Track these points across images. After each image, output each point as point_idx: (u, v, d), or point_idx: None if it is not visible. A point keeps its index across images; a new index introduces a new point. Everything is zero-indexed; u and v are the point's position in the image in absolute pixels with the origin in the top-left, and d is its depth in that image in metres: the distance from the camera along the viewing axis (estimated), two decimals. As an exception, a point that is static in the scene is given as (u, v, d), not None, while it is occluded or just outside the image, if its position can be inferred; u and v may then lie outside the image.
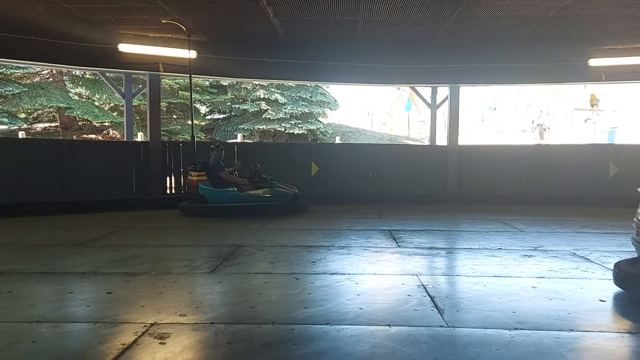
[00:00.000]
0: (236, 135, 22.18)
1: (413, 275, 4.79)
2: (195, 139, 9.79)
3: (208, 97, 23.87)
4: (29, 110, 21.28)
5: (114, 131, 22.37)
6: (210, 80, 21.65)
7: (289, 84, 22.83)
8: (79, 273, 4.81)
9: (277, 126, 24.30)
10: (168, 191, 10.82)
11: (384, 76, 11.13)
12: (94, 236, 6.77)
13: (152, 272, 4.88)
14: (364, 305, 3.85)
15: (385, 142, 27.15)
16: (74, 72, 20.52)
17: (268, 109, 24.00)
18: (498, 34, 9.63)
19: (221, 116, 26.29)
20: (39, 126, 22.09)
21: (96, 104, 21.50)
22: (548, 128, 30.02)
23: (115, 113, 21.75)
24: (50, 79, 21.24)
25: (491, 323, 3.47)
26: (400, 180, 11.33)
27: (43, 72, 21.08)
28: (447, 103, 11.77)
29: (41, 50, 9.09)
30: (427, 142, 15.62)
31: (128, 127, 11.13)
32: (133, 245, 6.25)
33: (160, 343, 3.09)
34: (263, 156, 10.76)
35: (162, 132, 11.68)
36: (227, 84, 23.85)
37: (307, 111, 24.50)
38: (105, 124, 21.94)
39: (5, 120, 19.69)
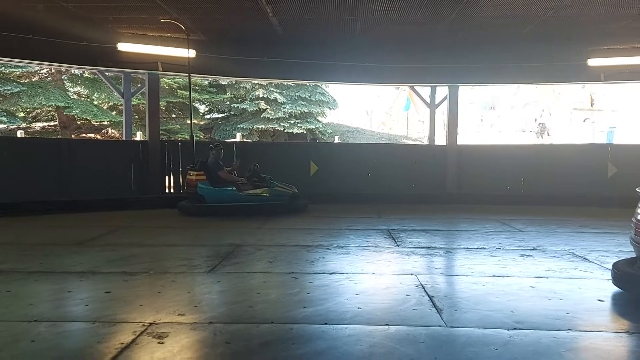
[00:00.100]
0: (235, 135, 22.17)
1: (412, 274, 4.80)
2: (194, 138, 9.79)
3: (207, 97, 23.85)
4: (28, 109, 21.26)
5: (113, 130, 22.36)
6: (209, 79, 21.64)
7: (288, 83, 22.84)
8: (78, 272, 4.81)
9: (276, 125, 24.29)
10: (167, 190, 10.80)
11: (383, 76, 11.13)
12: (93, 235, 6.77)
13: (151, 271, 4.88)
14: (363, 305, 3.86)
15: (384, 142, 27.14)
16: (72, 71, 20.50)
17: (267, 108, 23.99)
18: (497, 33, 9.62)
19: (220, 115, 26.28)
20: (38, 125, 22.06)
21: (95, 103, 21.48)
22: (549, 128, 30.07)
23: (114, 112, 21.73)
24: (49, 78, 21.22)
25: (490, 323, 3.47)
26: (399, 180, 11.33)
27: (42, 71, 21.05)
28: (446, 103, 11.78)
29: (40, 49, 9.08)
30: (426, 142, 15.64)
31: (127, 126, 11.12)
32: (132, 244, 6.25)
33: (158, 342, 3.09)
34: (262, 155, 10.75)
35: (161, 132, 11.66)
36: (226, 83, 23.84)
37: (306, 110, 24.49)
38: (104, 123, 21.93)
39: (4, 119, 19.68)
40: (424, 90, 12.50)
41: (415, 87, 13.47)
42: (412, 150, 14.87)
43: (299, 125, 24.34)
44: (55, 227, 7.72)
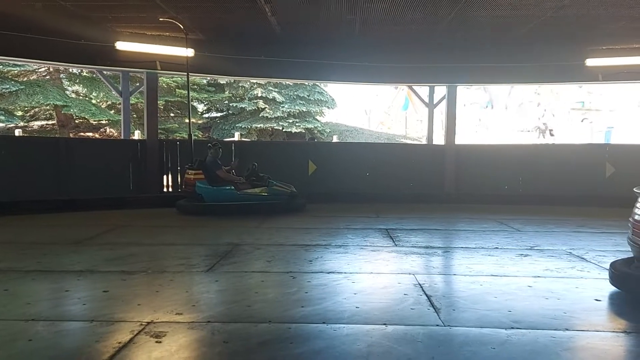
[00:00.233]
0: (233, 134, 22.15)
1: (410, 274, 4.80)
2: (193, 138, 9.77)
3: (205, 96, 23.83)
4: (26, 108, 21.20)
5: (111, 129, 22.32)
6: (208, 78, 21.62)
7: (287, 82, 22.81)
8: (76, 271, 4.81)
9: (275, 125, 24.28)
10: (165, 189, 10.80)
11: (381, 75, 11.13)
12: (91, 234, 6.76)
13: (149, 270, 4.88)
14: (361, 304, 3.86)
15: (382, 141, 27.14)
16: (71, 70, 20.45)
17: (265, 107, 23.98)
18: (496, 33, 9.63)
19: (218, 114, 26.27)
20: (36, 124, 22.00)
21: (93, 102, 21.43)
22: (552, 129, 30.11)
23: (113, 111, 21.69)
24: (47, 77, 21.17)
25: (487, 322, 3.48)
26: (397, 180, 11.34)
27: (40, 70, 21.00)
28: (444, 102, 11.79)
29: (38, 48, 9.05)
30: (424, 142, 15.64)
31: (125, 125, 11.10)
32: (130, 243, 6.24)
33: (156, 342, 3.09)
34: (260, 155, 10.75)
35: (159, 131, 11.64)
36: (224, 82, 23.82)
37: (304, 110, 24.49)
38: (102, 122, 21.89)
39: (2, 118, 19.63)
40: (423, 90, 12.52)
41: (413, 86, 13.50)
42: (410, 149, 14.89)
43: (297, 124, 24.33)
44: (53, 226, 7.71)
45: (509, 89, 30.70)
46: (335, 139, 24.62)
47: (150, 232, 7.27)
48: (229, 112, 25.28)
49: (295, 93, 24.25)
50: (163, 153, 10.74)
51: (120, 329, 3.28)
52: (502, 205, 10.37)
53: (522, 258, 5.57)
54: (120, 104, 12.37)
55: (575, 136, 27.35)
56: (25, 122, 21.47)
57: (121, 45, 9.62)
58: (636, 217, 4.09)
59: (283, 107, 23.96)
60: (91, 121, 21.49)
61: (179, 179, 10.69)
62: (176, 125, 22.90)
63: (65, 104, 19.90)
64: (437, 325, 3.41)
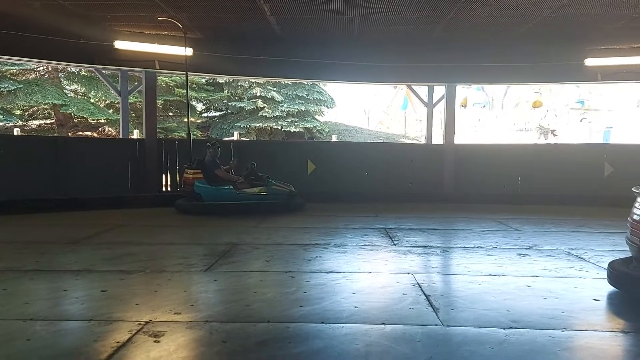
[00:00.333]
0: (232, 133, 22.15)
1: (408, 273, 4.80)
2: (191, 137, 9.77)
3: (204, 95, 23.80)
4: (24, 107, 21.16)
5: (110, 128, 22.28)
6: (207, 77, 21.59)
7: (286, 82, 22.79)
8: (74, 271, 4.80)
9: (274, 124, 24.26)
10: (164, 189, 10.79)
11: (380, 75, 11.13)
12: (89, 234, 6.75)
13: (147, 270, 4.87)
14: (359, 304, 3.86)
15: (381, 141, 27.15)
16: (69, 69, 20.42)
17: (264, 106, 23.96)
18: (494, 33, 9.64)
19: (217, 114, 26.24)
20: (34, 123, 21.96)
21: (92, 101, 21.39)
22: (554, 129, 30.12)
23: (111, 110, 21.65)
24: (46, 76, 21.14)
25: (486, 322, 3.48)
26: (396, 179, 11.34)
27: (38, 69, 20.95)
28: (443, 102, 11.79)
29: (37, 47, 9.03)
30: (423, 141, 15.65)
31: (124, 125, 11.09)
32: (128, 243, 6.24)
33: (154, 341, 3.08)
34: (259, 154, 10.74)
35: (158, 130, 11.64)
36: (223, 81, 23.79)
37: (303, 109, 24.47)
38: (100, 121, 21.85)
39: (1, 117, 19.59)
40: (422, 90, 12.52)
41: (412, 86, 13.50)
42: (409, 149, 14.89)
43: (296, 123, 24.31)
44: (52, 225, 7.70)
45: (505, 88, 30.81)
46: (334, 139, 24.62)
47: (149, 231, 7.26)
48: (228, 111, 25.26)
49: (294, 92, 24.23)
50: (162, 152, 10.73)
51: (118, 329, 3.28)
52: (500, 204, 10.38)
53: (521, 258, 5.57)
54: (118, 103, 12.35)
55: (574, 136, 27.38)
56: (23, 121, 21.43)
57: (120, 45, 9.60)
58: (635, 216, 4.10)
59: (282, 106, 23.94)
60: (90, 120, 21.45)
61: (177, 178, 10.68)
62: (175, 124, 22.87)
63: (63, 103, 19.87)
64: (436, 325, 3.41)
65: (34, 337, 3.16)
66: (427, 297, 4.04)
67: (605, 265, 4.50)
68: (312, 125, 24.87)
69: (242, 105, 24.04)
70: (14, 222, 7.87)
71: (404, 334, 3.26)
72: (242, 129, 23.56)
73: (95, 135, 22.15)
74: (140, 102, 13.86)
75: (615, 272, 4.16)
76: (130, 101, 12.38)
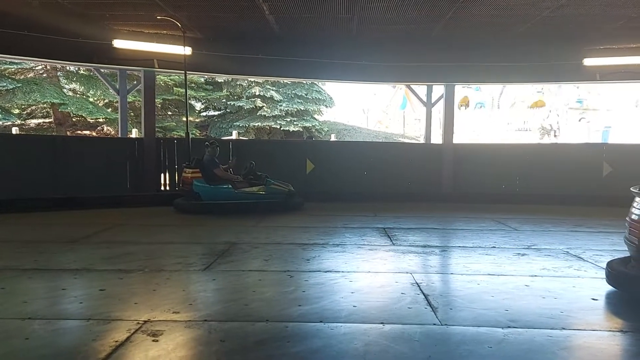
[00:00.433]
0: (231, 132, 22.18)
1: (407, 273, 4.80)
2: (190, 136, 9.76)
3: (203, 94, 23.80)
4: (23, 106, 21.15)
5: (108, 127, 22.27)
6: (205, 76, 21.60)
7: (285, 81, 22.80)
8: (72, 270, 4.79)
9: (273, 123, 24.26)
10: (162, 188, 10.78)
11: (379, 74, 11.13)
12: (88, 233, 6.74)
13: (146, 269, 4.86)
14: (358, 303, 3.86)
15: (380, 140, 27.15)
16: (68, 68, 20.41)
17: (263, 106, 23.95)
18: (493, 33, 9.64)
19: (216, 113, 26.23)
20: (33, 122, 21.95)
21: (90, 100, 21.38)
22: (556, 129, 30.15)
23: (110, 109, 21.64)
24: (45, 75, 21.12)
25: (484, 321, 3.48)
26: (395, 178, 11.34)
27: (37, 68, 20.93)
28: (442, 101, 11.80)
29: (35, 46, 9.01)
30: (422, 141, 15.65)
31: (122, 124, 11.08)
32: (127, 242, 6.23)
33: (153, 340, 3.08)
34: (258, 153, 10.73)
35: (156, 129, 11.64)
36: (222, 80, 23.79)
37: (302, 108, 24.47)
38: (99, 120, 21.85)
39: (-1, 115, 19.59)
40: (421, 89, 12.52)
41: (411, 85, 13.50)
42: (408, 148, 14.90)
43: (295, 123, 24.31)
44: (50, 224, 7.69)
45: (501, 88, 30.86)
46: (333, 138, 24.63)
47: (148, 230, 7.26)
48: (227, 110, 25.25)
49: (293, 92, 24.23)
50: (160, 151, 10.72)
51: (117, 328, 3.28)
52: (499, 204, 10.39)
53: (519, 257, 5.58)
54: (117, 102, 12.34)
55: (572, 135, 27.41)
56: (22, 120, 21.42)
57: (119, 43, 9.59)
58: (633, 216, 4.10)
59: (281, 105, 23.94)
60: (88, 119, 21.44)
61: (176, 177, 10.67)
62: (174, 123, 22.87)
63: (62, 102, 19.85)
64: (434, 324, 3.42)
65: (32, 336, 3.15)
66: (425, 296, 4.04)
67: (604, 265, 4.51)
68: (311, 125, 24.88)
69: (241, 105, 24.04)
70: (12, 221, 7.86)
71: (402, 333, 3.27)
72: (240, 128, 23.56)
73: (94, 134, 22.13)
74: (139, 101, 13.86)
75: (614, 272, 4.16)
76: (129, 100, 12.37)
